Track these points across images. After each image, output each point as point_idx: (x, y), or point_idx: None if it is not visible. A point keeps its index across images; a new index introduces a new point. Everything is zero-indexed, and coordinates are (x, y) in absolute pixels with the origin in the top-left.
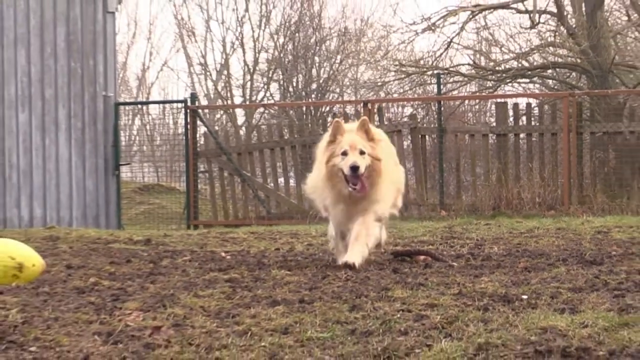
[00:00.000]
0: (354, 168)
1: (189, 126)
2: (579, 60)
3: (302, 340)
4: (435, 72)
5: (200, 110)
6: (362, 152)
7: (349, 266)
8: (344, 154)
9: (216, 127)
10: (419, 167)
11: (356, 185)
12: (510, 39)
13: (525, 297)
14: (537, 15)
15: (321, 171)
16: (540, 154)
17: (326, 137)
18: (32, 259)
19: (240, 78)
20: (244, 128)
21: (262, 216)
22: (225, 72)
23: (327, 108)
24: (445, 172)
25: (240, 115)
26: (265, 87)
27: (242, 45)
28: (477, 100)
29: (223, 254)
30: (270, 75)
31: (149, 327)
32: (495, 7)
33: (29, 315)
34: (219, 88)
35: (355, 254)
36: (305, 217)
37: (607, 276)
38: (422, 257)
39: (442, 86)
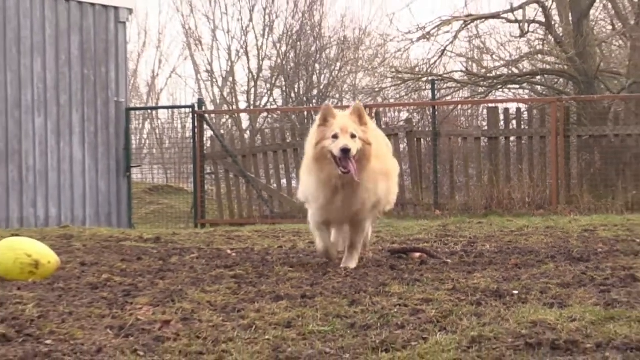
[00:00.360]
0: (345, 150)
1: (196, 130)
2: (566, 67)
3: (304, 334)
4: (430, 78)
5: (207, 115)
6: (353, 136)
7: (345, 269)
8: (335, 137)
9: (222, 131)
10: (415, 169)
11: (347, 169)
12: (500, 47)
13: (516, 292)
14: (526, 25)
15: (309, 153)
16: (530, 156)
17: (316, 122)
18: (47, 257)
19: (244, 84)
20: (248, 132)
21: (265, 215)
22: (230, 79)
23: None
24: (440, 174)
25: (245, 120)
26: (269, 93)
27: (246, 53)
28: (470, 105)
29: (229, 252)
30: (273, 81)
31: (159, 321)
32: (486, 17)
33: (45, 310)
34: (225, 94)
35: (353, 260)
36: (306, 216)
37: (593, 272)
38: (417, 255)
39: (436, 92)
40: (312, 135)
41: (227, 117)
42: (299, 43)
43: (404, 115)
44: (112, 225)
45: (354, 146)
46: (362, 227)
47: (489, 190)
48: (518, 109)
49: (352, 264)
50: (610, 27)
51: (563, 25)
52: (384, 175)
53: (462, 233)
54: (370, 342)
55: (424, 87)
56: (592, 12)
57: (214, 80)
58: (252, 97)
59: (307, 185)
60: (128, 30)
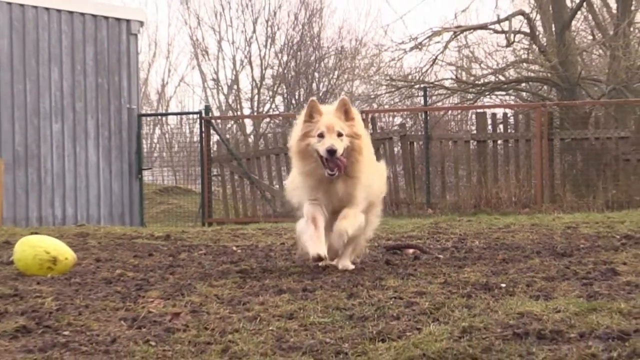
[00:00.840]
0: (331, 151)
1: (203, 135)
2: (549, 75)
3: (305, 325)
4: (422, 85)
5: (213, 121)
6: (340, 134)
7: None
8: (321, 135)
9: (227, 136)
10: (408, 170)
11: (333, 171)
12: (488, 56)
13: (503, 285)
14: (512, 35)
15: (293, 148)
16: (516, 158)
17: (301, 117)
18: (65, 253)
19: (248, 92)
20: (252, 136)
21: (268, 214)
22: (235, 87)
23: None
24: (432, 175)
25: (249, 125)
26: (271, 99)
27: (250, 63)
28: (459, 111)
29: (234, 248)
30: (275, 89)
31: (169, 313)
32: (474, 28)
33: (63, 303)
34: (230, 101)
35: (348, 259)
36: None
37: (576, 266)
38: (411, 250)
39: (428, 98)
40: (296, 130)
41: (232, 122)
42: (299, 53)
43: (398, 120)
44: (125, 223)
45: (341, 146)
46: (355, 208)
47: (477, 190)
48: (505, 114)
49: (349, 264)
50: (590, 37)
51: (546, 36)
52: (375, 170)
53: (453, 230)
54: (368, 333)
55: (416, 94)
56: (573, 23)
57: (220, 88)
58: (256, 103)
59: (292, 181)
60: (139, 42)
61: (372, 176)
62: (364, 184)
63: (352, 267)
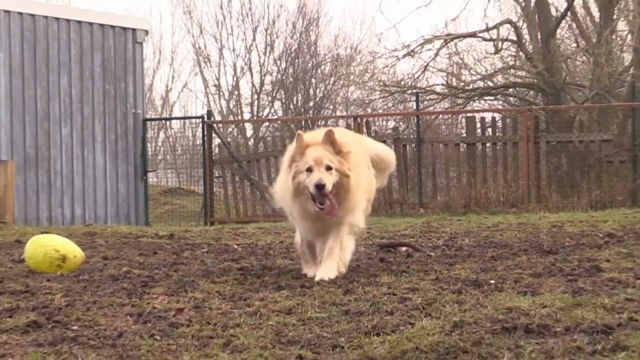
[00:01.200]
0: (319, 186)
1: (205, 138)
2: (535, 81)
3: (303, 320)
4: (414, 91)
5: (215, 125)
6: (328, 168)
7: (322, 280)
8: (309, 170)
9: (228, 139)
10: (401, 172)
11: (323, 205)
12: (477, 62)
13: (492, 281)
14: (499, 43)
15: (288, 186)
16: (504, 160)
17: (291, 148)
18: (73, 252)
19: (248, 97)
20: (252, 139)
21: (268, 214)
22: (236, 92)
23: (323, 122)
24: (423, 176)
25: (249, 129)
26: (270, 104)
27: (250, 69)
28: (450, 115)
29: (235, 246)
30: (274, 94)
31: (173, 308)
32: (464, 36)
33: (72, 299)
34: (231, 106)
35: (329, 270)
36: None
37: (562, 264)
38: (404, 248)
39: (420, 103)
40: (287, 165)
41: (233, 126)
42: (296, 60)
43: (391, 124)
44: (131, 223)
45: (329, 180)
46: (338, 231)
47: (467, 190)
48: (493, 118)
49: (329, 274)
50: (574, 45)
51: (532, 43)
52: (364, 198)
53: (444, 229)
54: (363, 327)
55: (408, 99)
56: (558, 31)
57: (221, 93)
58: (255, 108)
59: (281, 186)
60: (144, 50)
61: (362, 199)
62: (351, 216)
63: (332, 276)
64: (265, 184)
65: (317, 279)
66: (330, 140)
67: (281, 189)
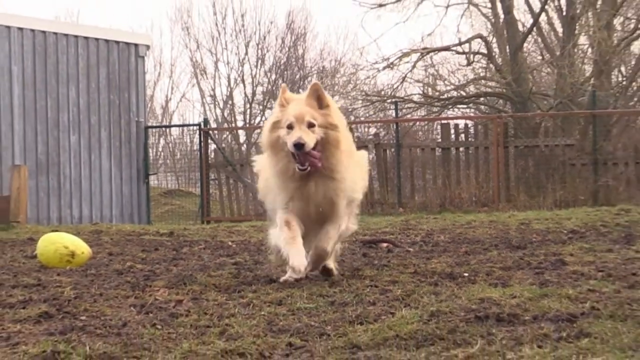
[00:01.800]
0: (298, 145)
1: (202, 144)
2: (504, 90)
3: (293, 310)
4: (393, 100)
5: (210, 132)
6: (311, 125)
7: (327, 272)
8: (290, 127)
9: (223, 145)
10: (382, 174)
11: (304, 166)
12: (451, 74)
13: (466, 274)
14: (471, 56)
15: (263, 140)
16: (476, 163)
17: (276, 105)
18: (81, 248)
19: (241, 106)
20: (245, 145)
21: (260, 213)
22: (230, 102)
23: None
24: (402, 178)
25: (242, 135)
26: (261, 113)
27: (242, 81)
28: (426, 122)
29: (230, 243)
30: (265, 104)
31: (173, 300)
32: (439, 50)
33: (80, 292)
34: (225, 114)
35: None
36: None
37: (529, 258)
38: (385, 244)
39: (398, 111)
40: (270, 119)
41: (228, 133)
42: (285, 72)
43: (372, 130)
44: (134, 222)
45: (310, 139)
46: (337, 222)
47: (442, 191)
48: (466, 125)
49: (330, 264)
50: (540, 57)
51: (502, 56)
52: (355, 162)
53: (421, 226)
54: (348, 317)
55: (388, 107)
56: (525, 45)
57: (216, 103)
58: (248, 116)
59: (265, 181)
60: (146, 63)
61: (354, 171)
62: (346, 185)
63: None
64: (258, 186)
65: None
66: (317, 95)
67: (262, 165)
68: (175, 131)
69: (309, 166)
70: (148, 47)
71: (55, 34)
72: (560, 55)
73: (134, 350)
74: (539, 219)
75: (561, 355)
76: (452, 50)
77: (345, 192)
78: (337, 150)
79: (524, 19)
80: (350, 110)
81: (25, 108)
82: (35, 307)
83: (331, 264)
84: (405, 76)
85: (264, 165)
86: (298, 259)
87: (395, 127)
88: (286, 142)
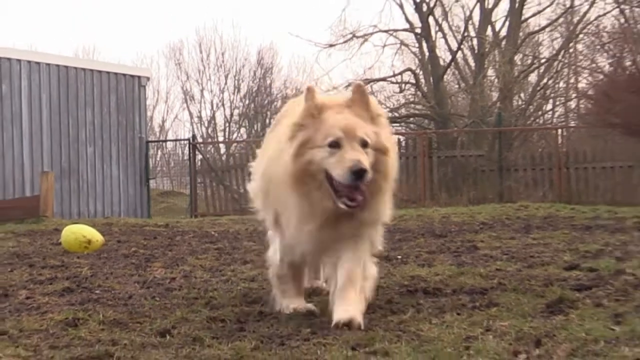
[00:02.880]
0: (359, 172)
1: (191, 155)
2: (429, 112)
3: (263, 285)
4: None
5: (198, 145)
6: (364, 144)
7: (346, 325)
8: (335, 145)
9: (208, 156)
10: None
11: (355, 201)
12: (387, 99)
13: (399, 257)
14: (403, 85)
15: (287, 167)
16: (407, 169)
17: (290, 110)
18: (96, 236)
19: (222, 125)
20: (224, 156)
21: (237, 209)
22: (213, 122)
23: None
24: None
25: (223, 148)
26: (238, 130)
27: (223, 105)
28: None
29: (213, 233)
30: (240, 123)
31: (168, 277)
32: (378, 80)
33: (95, 271)
34: (209, 131)
35: (354, 308)
36: None
37: (449, 244)
38: None
39: None
40: (284, 139)
41: (211, 146)
42: (256, 98)
43: None
44: (137, 216)
45: (368, 163)
46: (357, 248)
47: None
48: (399, 139)
49: (355, 314)
50: (457, 86)
51: (427, 85)
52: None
53: None
54: (305, 289)
55: None
56: (445, 76)
57: (202, 122)
58: (227, 133)
59: (257, 188)
60: (147, 91)
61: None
62: (379, 228)
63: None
64: (235, 188)
65: (341, 320)
66: (364, 100)
67: (263, 178)
68: (169, 145)
69: (357, 205)
70: (148, 78)
71: (75, 68)
72: (473, 84)
73: (138, 317)
74: (456, 213)
75: (475, 321)
76: (388, 81)
77: (373, 237)
78: (385, 183)
79: (444, 55)
80: None
81: (52, 127)
82: (60, 283)
83: (356, 314)
84: None
85: (256, 169)
86: (294, 304)
87: None
88: (325, 167)
